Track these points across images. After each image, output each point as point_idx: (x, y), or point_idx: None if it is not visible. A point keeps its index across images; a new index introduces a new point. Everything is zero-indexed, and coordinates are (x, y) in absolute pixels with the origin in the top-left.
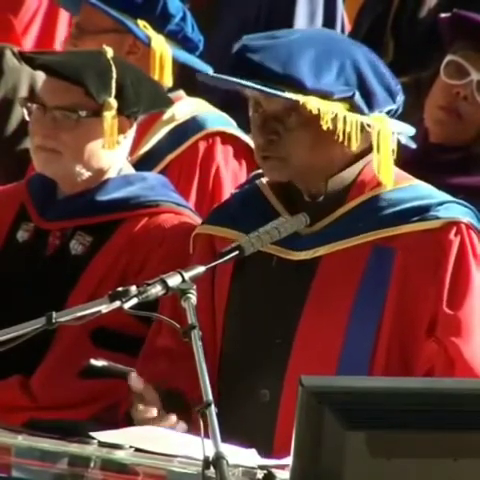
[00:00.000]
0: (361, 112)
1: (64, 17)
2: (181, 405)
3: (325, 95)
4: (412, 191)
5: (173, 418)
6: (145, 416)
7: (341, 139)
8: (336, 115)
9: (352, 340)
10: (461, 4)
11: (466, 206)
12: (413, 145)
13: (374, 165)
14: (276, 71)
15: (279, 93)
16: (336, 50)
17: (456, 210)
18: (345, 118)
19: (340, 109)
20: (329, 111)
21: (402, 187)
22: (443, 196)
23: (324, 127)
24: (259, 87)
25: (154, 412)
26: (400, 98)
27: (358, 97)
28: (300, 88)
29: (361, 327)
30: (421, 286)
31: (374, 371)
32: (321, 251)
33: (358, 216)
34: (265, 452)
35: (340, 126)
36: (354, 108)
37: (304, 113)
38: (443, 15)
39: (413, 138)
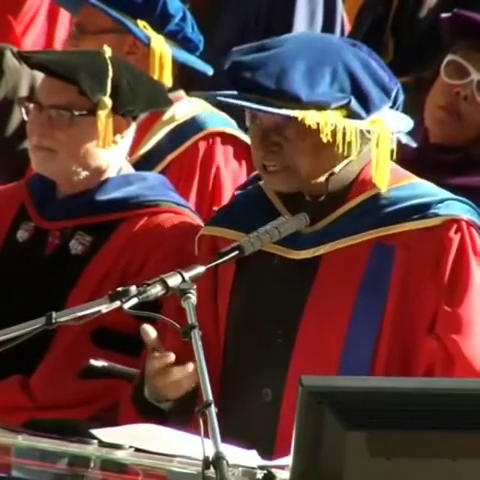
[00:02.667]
0: (359, 117)
1: (64, 18)
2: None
3: (321, 106)
4: (412, 189)
5: (190, 366)
6: (163, 361)
7: (341, 149)
8: (335, 126)
9: (354, 338)
10: (461, 4)
11: (467, 203)
12: (413, 144)
13: (372, 168)
14: (270, 87)
15: (276, 111)
16: (327, 56)
17: (456, 207)
18: (344, 129)
19: (338, 118)
20: (328, 124)
21: (402, 185)
22: (443, 193)
23: (324, 140)
24: (256, 106)
25: (172, 357)
26: (396, 92)
27: (354, 103)
28: (296, 101)
29: (363, 325)
30: (422, 284)
31: (376, 369)
32: (322, 250)
33: (359, 215)
34: (267, 451)
35: (339, 137)
36: (351, 114)
37: (302, 123)
38: (444, 15)
39: (413, 137)
